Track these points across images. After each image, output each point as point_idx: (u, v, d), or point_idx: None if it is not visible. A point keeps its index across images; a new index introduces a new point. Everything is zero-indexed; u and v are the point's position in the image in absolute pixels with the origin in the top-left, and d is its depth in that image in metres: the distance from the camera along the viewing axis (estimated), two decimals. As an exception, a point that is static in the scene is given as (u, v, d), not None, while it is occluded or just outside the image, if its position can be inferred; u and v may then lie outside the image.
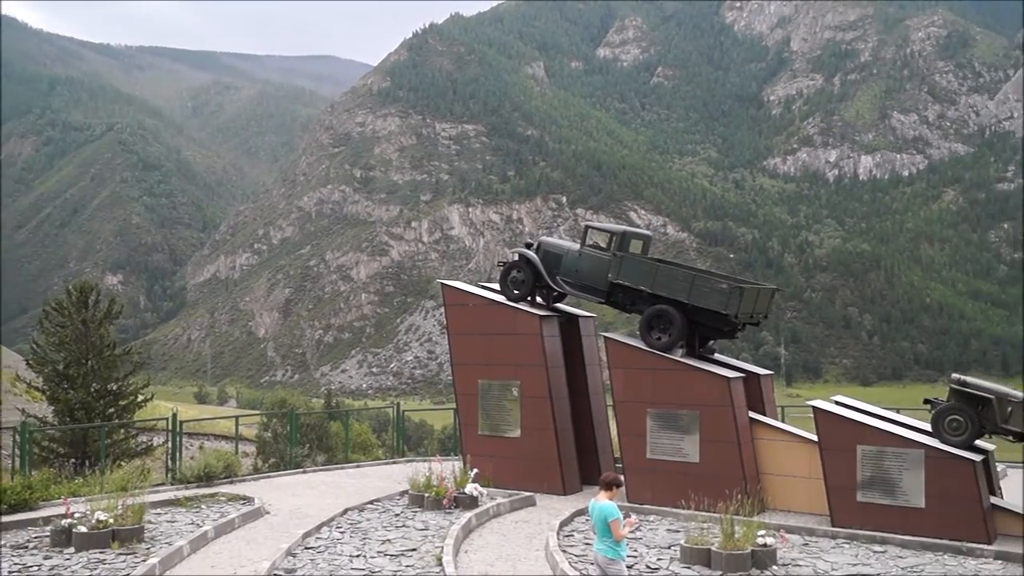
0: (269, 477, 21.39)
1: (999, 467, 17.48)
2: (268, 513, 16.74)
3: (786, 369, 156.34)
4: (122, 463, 20.22)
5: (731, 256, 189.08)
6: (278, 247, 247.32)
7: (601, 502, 10.25)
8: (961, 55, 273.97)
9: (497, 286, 20.53)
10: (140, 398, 27.54)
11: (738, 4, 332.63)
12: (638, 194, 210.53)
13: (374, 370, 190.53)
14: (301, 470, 22.66)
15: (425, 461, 21.21)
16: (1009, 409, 15.62)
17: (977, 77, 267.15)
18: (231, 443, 27.21)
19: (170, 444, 21.54)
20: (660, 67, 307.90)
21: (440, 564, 13.09)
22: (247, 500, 17.68)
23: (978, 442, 16.10)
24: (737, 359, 20.70)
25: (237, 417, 26.56)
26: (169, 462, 21.10)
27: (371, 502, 17.90)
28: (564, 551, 13.84)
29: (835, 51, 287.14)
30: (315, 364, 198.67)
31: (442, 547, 13.84)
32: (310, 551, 14.15)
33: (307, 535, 15.02)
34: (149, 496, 16.79)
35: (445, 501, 17.04)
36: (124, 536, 14.03)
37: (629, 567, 12.28)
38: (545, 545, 14.18)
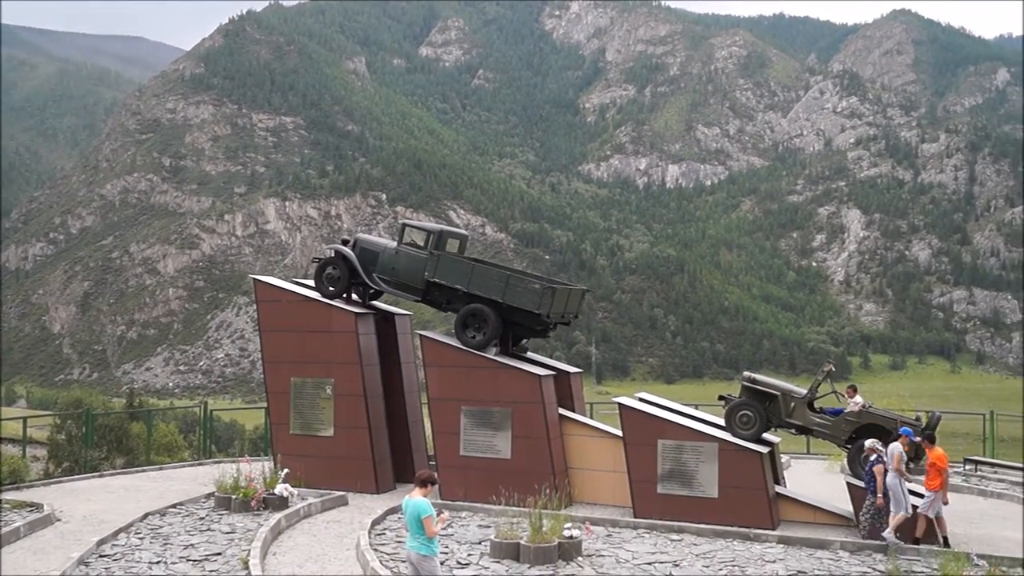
0: (61, 482, 20.11)
1: (783, 458, 18.88)
2: (59, 520, 15.74)
3: (596, 367, 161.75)
4: None
5: (547, 257, 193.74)
6: (77, 237, 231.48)
7: (415, 499, 10.31)
8: (759, 74, 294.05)
9: (312, 283, 20.22)
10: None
11: (557, 13, 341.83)
12: (458, 194, 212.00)
13: (182, 368, 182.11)
14: (98, 474, 21.48)
15: (234, 462, 20.57)
16: (792, 404, 16.94)
17: (772, 96, 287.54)
18: (18, 446, 25.35)
19: (-54, 448, 19.82)
20: (481, 69, 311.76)
21: (247, 567, 12.76)
22: (35, 507, 16.54)
23: (765, 435, 17.35)
24: (551, 358, 21.32)
25: (25, 418, 24.77)
26: (-56, 468, 19.40)
27: (174, 506, 17.18)
28: (375, 550, 13.82)
29: (646, 64, 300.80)
30: (116, 362, 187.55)
31: (249, 550, 13.49)
32: (105, 559, 13.42)
33: (102, 542, 14.24)
34: (-80, 506, 15.41)
35: (253, 503, 16.60)
36: None
37: (440, 563, 12.40)
38: (356, 544, 14.10)
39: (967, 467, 23.54)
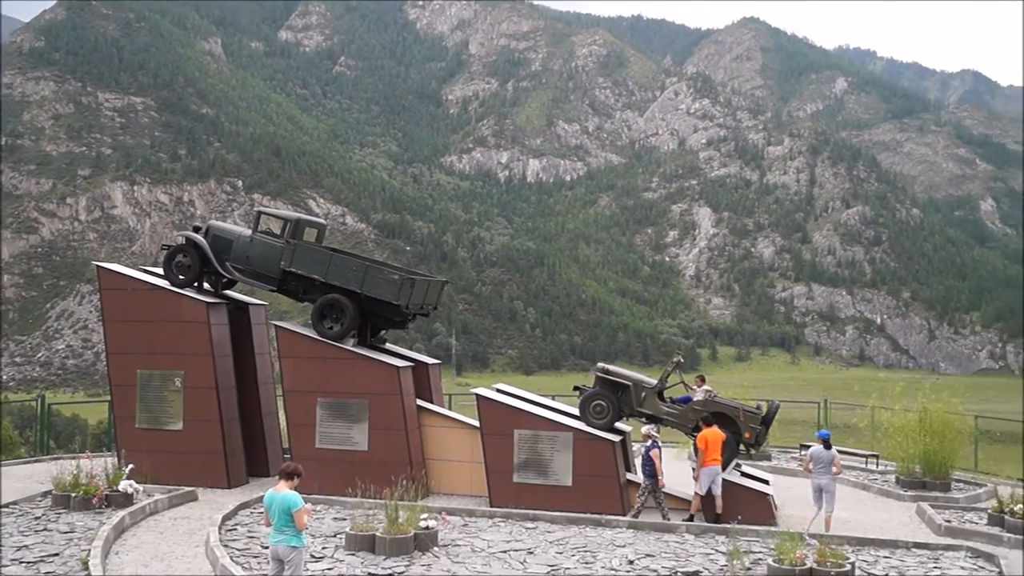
0: None
1: (634, 446, 19.51)
2: None
3: (457, 359, 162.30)
4: None
5: (408, 248, 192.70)
6: None
7: (282, 492, 10.13)
8: (617, 74, 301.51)
9: (162, 271, 19.47)
10: None
11: (420, 3, 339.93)
12: (317, 182, 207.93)
13: (18, 360, 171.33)
14: (-81, 474, 19.97)
15: (74, 458, 19.58)
16: (643, 394, 17.55)
17: (630, 95, 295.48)
18: None
19: None
20: (343, 56, 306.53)
21: (87, 568, 12.20)
22: None
23: (617, 424, 17.90)
24: (411, 349, 21.30)
25: None
26: None
27: (6, 505, 16.20)
28: (226, 546, 13.47)
29: (509, 58, 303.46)
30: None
31: (90, 550, 12.91)
32: (-72, 564, 12.56)
33: (-76, 546, 13.31)
34: None
35: (95, 500, 15.87)
36: None
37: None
38: (205, 541, 13.71)
39: (802, 452, 24.94)
